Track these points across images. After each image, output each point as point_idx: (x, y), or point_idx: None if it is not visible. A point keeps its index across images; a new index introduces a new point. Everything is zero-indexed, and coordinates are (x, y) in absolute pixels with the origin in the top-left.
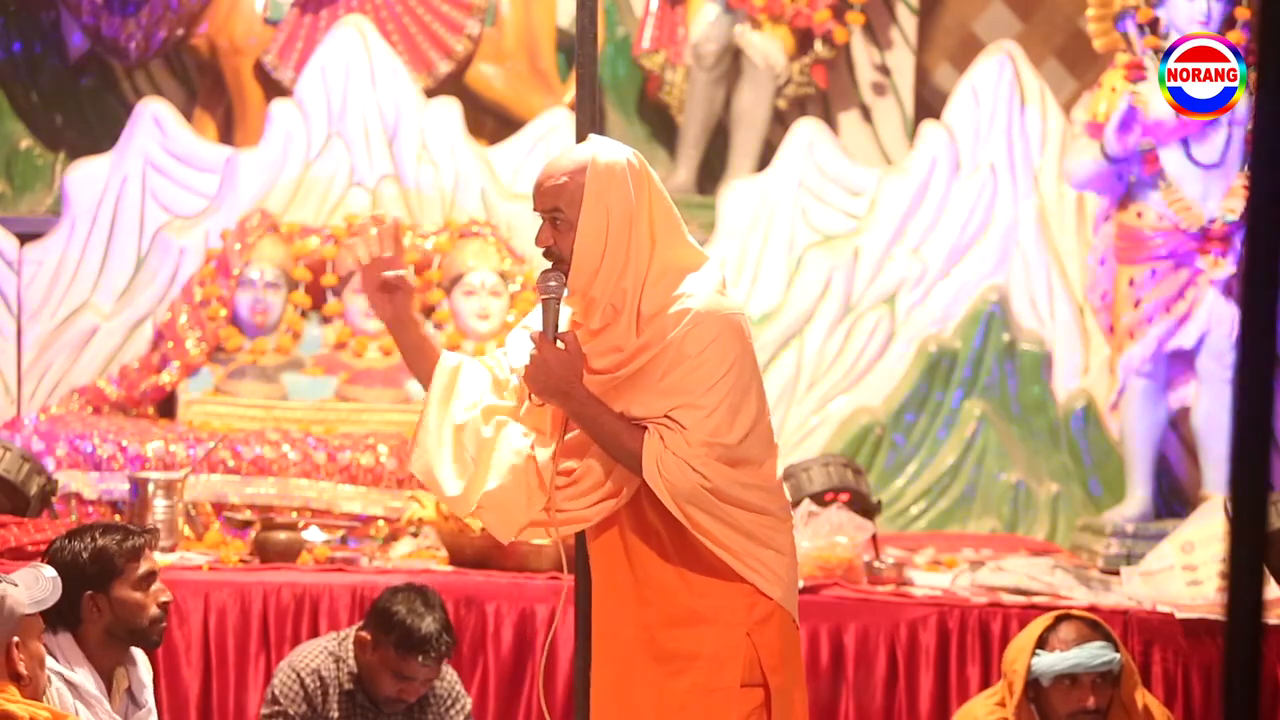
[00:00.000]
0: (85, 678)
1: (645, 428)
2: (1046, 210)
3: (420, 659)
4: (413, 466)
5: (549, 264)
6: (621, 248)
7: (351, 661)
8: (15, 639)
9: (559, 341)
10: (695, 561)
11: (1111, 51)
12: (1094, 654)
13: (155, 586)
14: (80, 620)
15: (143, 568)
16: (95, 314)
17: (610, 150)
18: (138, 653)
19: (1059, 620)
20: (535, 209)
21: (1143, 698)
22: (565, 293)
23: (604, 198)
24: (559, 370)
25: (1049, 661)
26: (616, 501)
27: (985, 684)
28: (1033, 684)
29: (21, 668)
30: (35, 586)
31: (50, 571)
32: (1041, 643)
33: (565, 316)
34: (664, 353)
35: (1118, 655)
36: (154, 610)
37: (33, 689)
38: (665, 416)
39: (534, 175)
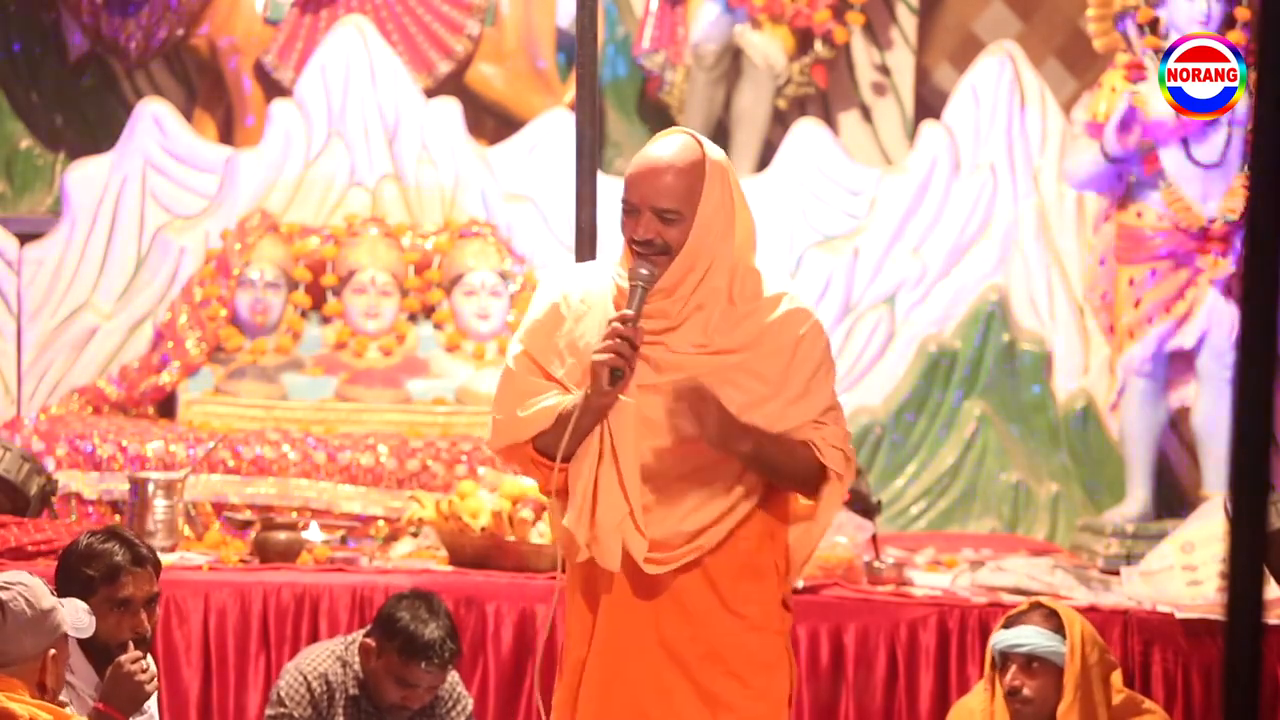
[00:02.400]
0: (83, 678)
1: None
2: (1046, 210)
3: (424, 665)
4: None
5: (634, 256)
6: (726, 246)
7: (358, 667)
8: (52, 652)
9: (635, 325)
10: (738, 579)
11: (1111, 51)
12: (1015, 635)
13: (139, 615)
14: None
15: (122, 592)
16: (95, 314)
17: (713, 148)
18: None
19: (1033, 606)
20: (638, 201)
21: (1070, 694)
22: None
23: (720, 197)
24: (723, 414)
25: (993, 639)
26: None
27: None
28: (993, 661)
29: (49, 681)
30: (75, 616)
31: (84, 605)
32: (1009, 623)
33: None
34: (794, 356)
35: (1049, 644)
36: (123, 637)
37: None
38: (814, 422)
39: (540, 172)
